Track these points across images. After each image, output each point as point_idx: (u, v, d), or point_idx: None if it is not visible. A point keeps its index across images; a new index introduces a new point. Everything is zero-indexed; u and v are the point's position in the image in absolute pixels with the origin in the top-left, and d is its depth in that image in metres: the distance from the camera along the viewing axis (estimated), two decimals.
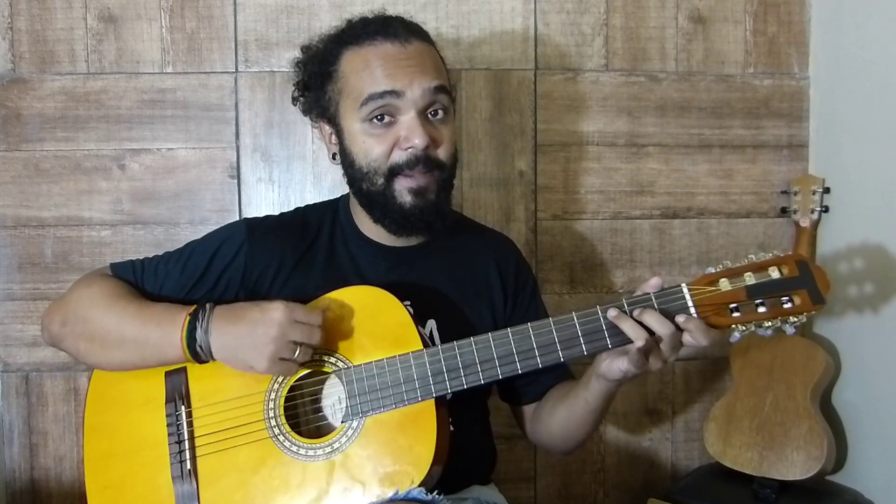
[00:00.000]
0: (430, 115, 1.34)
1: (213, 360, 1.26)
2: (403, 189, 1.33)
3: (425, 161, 1.32)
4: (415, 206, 1.33)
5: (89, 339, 1.32)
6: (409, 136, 1.30)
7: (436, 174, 1.34)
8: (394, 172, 1.32)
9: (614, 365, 1.22)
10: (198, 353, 1.25)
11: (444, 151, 1.35)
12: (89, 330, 1.32)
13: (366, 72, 1.32)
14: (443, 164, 1.35)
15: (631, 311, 1.19)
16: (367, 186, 1.35)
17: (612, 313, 1.19)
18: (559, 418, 1.40)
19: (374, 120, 1.32)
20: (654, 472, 2.00)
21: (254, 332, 1.23)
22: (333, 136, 1.41)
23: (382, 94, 1.30)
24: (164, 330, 1.27)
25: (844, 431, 1.83)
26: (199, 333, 1.25)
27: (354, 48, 1.35)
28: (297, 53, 1.49)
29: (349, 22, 1.42)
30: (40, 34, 1.83)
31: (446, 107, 1.36)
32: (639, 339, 1.17)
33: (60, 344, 1.37)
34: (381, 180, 1.33)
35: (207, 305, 1.27)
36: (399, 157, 1.32)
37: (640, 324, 1.18)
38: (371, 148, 1.33)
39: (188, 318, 1.26)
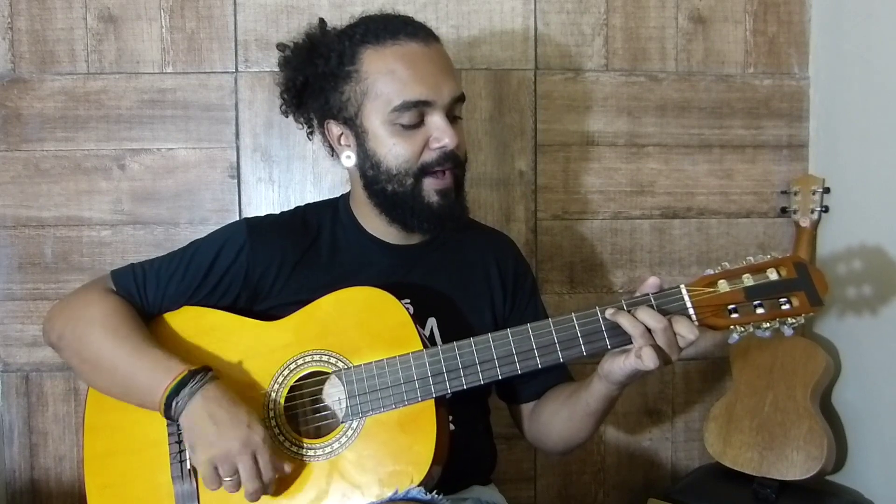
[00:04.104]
0: (451, 117, 1.36)
1: (176, 421, 1.24)
2: (431, 190, 1.35)
3: (453, 158, 1.35)
4: (443, 206, 1.36)
5: (82, 360, 1.33)
6: (441, 136, 1.33)
7: (457, 172, 1.38)
8: (424, 171, 1.34)
9: (616, 364, 1.22)
10: (170, 407, 1.23)
11: (462, 150, 1.39)
12: (84, 352, 1.33)
13: (394, 75, 1.32)
14: (462, 162, 1.39)
15: (628, 310, 1.20)
16: (392, 187, 1.36)
17: (609, 311, 1.20)
18: (560, 419, 1.40)
19: (405, 124, 1.33)
20: (654, 472, 2.00)
21: (220, 426, 1.21)
22: (345, 138, 1.40)
23: (416, 104, 1.31)
24: (156, 377, 1.24)
25: (844, 431, 1.83)
26: (185, 390, 1.22)
27: (377, 47, 1.34)
28: None
29: (360, 20, 1.40)
30: (40, 34, 1.83)
31: (461, 110, 1.40)
32: (635, 332, 1.17)
33: (58, 353, 1.39)
34: (410, 181, 1.34)
35: (210, 373, 1.25)
36: (429, 156, 1.34)
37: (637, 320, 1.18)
38: (401, 150, 1.33)
39: (187, 372, 1.23)
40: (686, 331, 1.17)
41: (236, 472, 1.20)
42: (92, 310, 1.34)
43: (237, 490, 1.22)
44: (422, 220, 1.37)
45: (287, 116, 1.48)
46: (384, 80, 1.32)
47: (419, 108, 1.32)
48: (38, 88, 1.83)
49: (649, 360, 1.16)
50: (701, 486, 1.81)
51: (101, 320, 1.32)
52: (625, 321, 1.18)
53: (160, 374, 1.24)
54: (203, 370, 1.25)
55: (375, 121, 1.34)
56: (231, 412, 1.22)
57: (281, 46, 1.45)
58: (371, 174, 1.37)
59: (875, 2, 1.74)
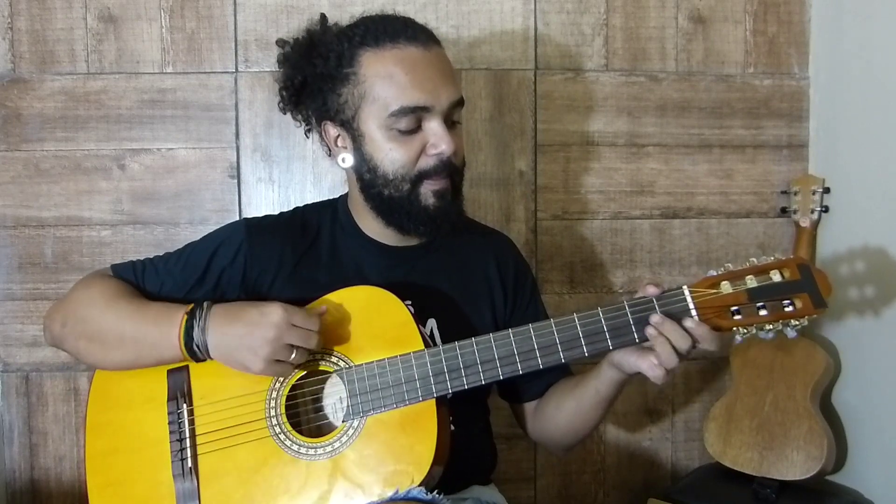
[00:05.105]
0: (449, 122, 1.35)
1: (210, 358, 1.27)
2: (428, 192, 1.34)
3: (450, 165, 1.34)
4: (438, 209, 1.35)
5: (89, 339, 1.33)
6: (438, 143, 1.32)
7: (454, 178, 1.36)
8: (421, 177, 1.33)
9: (626, 360, 1.24)
10: (195, 352, 1.26)
11: (459, 156, 1.38)
12: (89, 330, 1.33)
13: (392, 79, 1.30)
14: (459, 168, 1.38)
15: (640, 316, 1.21)
16: (389, 192, 1.35)
17: (655, 319, 1.19)
18: (566, 411, 1.40)
19: (402, 129, 1.32)
20: (654, 472, 2.00)
21: (251, 333, 1.23)
22: (341, 140, 1.39)
23: (414, 109, 1.30)
24: (162, 329, 1.27)
25: (844, 431, 1.83)
26: (196, 332, 1.25)
27: (375, 50, 1.32)
28: None
29: (360, 21, 1.39)
30: (40, 34, 1.83)
31: (460, 115, 1.38)
32: (662, 348, 1.19)
33: (62, 345, 1.37)
34: (407, 186, 1.34)
35: (205, 304, 1.28)
36: (426, 162, 1.33)
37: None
38: (397, 155, 1.32)
39: (186, 316, 1.27)
40: (709, 344, 1.18)
41: (292, 347, 1.23)
42: (91, 291, 1.35)
43: (307, 355, 1.26)
44: (418, 224, 1.36)
45: (285, 114, 1.48)
46: (382, 84, 1.31)
47: (417, 114, 1.31)
48: (38, 88, 1.83)
49: (659, 380, 1.20)
50: (701, 486, 1.81)
51: (99, 297, 1.33)
52: (656, 339, 1.19)
53: (165, 327, 1.27)
54: (198, 305, 1.27)
55: (372, 125, 1.33)
56: (244, 318, 1.24)
57: (281, 42, 1.44)
58: (368, 178, 1.37)
59: (875, 2, 1.75)
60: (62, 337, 1.36)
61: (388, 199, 1.36)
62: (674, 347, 1.18)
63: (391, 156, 1.33)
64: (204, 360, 1.28)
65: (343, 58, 1.34)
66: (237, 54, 1.86)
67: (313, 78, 1.38)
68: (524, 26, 1.90)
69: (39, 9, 1.82)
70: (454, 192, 1.37)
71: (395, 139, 1.32)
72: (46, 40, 1.83)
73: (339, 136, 1.39)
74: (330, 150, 1.43)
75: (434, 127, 1.32)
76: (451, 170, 1.35)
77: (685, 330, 1.19)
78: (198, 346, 1.25)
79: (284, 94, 1.44)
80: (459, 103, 1.36)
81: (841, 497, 1.73)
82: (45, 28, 1.83)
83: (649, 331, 1.20)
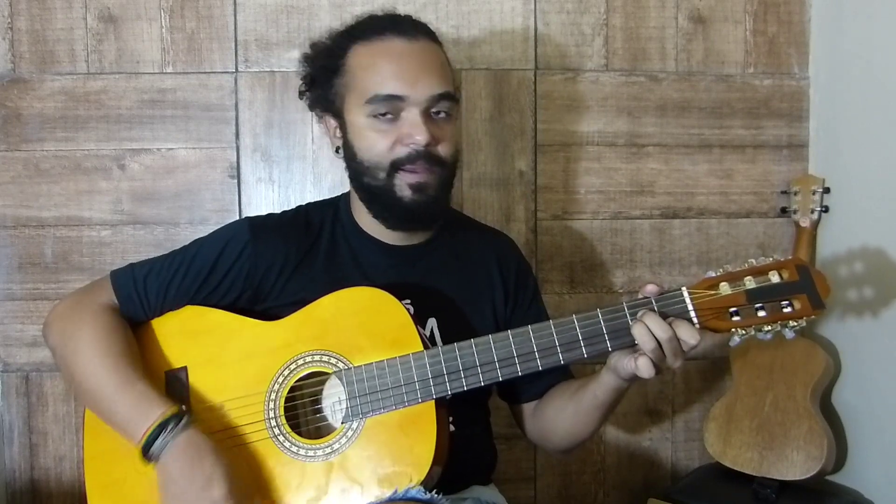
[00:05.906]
0: (432, 114, 1.35)
1: (155, 466, 1.23)
2: (403, 184, 1.34)
3: (426, 157, 1.34)
4: (414, 202, 1.35)
5: (70, 380, 1.35)
6: (412, 132, 1.32)
7: (437, 171, 1.36)
8: (395, 167, 1.34)
9: (621, 362, 1.23)
10: (149, 456, 1.23)
11: (445, 149, 1.37)
12: (70, 374, 1.33)
13: (373, 69, 1.33)
14: (444, 161, 1.37)
15: (633, 314, 1.20)
16: (368, 181, 1.36)
17: (639, 313, 1.19)
18: (566, 415, 1.40)
19: (379, 116, 1.33)
20: (654, 472, 2.00)
21: (191, 483, 1.20)
22: (338, 130, 1.42)
23: (387, 98, 1.31)
24: (132, 419, 1.25)
25: (844, 431, 1.83)
26: (158, 443, 1.22)
27: (362, 42, 1.36)
28: (297, 53, 1.50)
29: (362, 18, 1.43)
30: (40, 34, 1.83)
31: (449, 109, 1.37)
32: (643, 339, 1.17)
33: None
34: (382, 175, 1.34)
35: (185, 419, 1.24)
36: (401, 151, 1.33)
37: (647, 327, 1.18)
38: (375, 143, 1.34)
39: (161, 421, 1.23)
40: (688, 336, 1.17)
41: None
42: (83, 331, 1.32)
43: None
44: (393, 215, 1.38)
45: (312, 111, 1.50)
46: (362, 74, 1.34)
47: (392, 103, 1.32)
48: (38, 88, 1.83)
49: (644, 370, 1.18)
50: (701, 486, 1.81)
51: (89, 344, 1.31)
52: (634, 331, 1.18)
53: (138, 417, 1.24)
54: (176, 417, 1.23)
55: (354, 113, 1.36)
56: (195, 470, 1.21)
57: (312, 45, 1.48)
58: (353, 166, 1.39)
59: (875, 2, 1.74)
60: (52, 354, 1.37)
61: (367, 187, 1.37)
62: (653, 335, 1.17)
63: (367, 143, 1.35)
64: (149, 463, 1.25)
65: (335, 50, 1.39)
66: (237, 54, 1.85)
67: (317, 73, 1.43)
68: (524, 26, 1.90)
69: (39, 9, 1.82)
70: (438, 186, 1.37)
71: (372, 127, 1.34)
72: (46, 40, 1.83)
73: (336, 126, 1.42)
74: (332, 142, 1.46)
75: (410, 117, 1.33)
76: (430, 161, 1.34)
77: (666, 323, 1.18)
78: (152, 454, 1.22)
79: (302, 88, 1.49)
80: (444, 97, 1.35)
81: (841, 497, 1.73)
82: (45, 28, 1.83)
83: (634, 328, 1.19)
